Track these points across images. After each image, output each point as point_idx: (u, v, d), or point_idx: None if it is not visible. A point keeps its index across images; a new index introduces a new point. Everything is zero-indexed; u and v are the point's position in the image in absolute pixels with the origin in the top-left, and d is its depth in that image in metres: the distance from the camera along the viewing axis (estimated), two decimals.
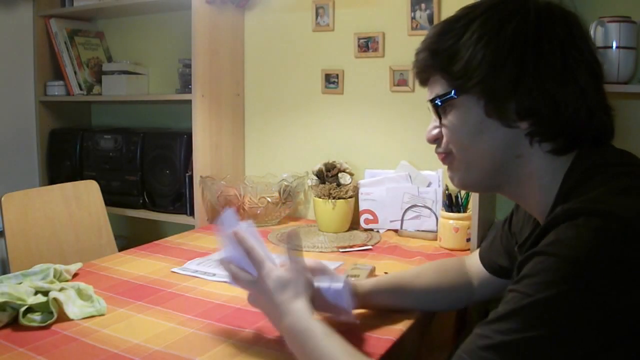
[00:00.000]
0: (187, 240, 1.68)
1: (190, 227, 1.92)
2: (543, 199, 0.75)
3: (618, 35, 1.35)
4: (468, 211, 1.56)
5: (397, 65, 1.81)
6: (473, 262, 1.08)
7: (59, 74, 2.35)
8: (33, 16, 2.32)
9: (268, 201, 1.82)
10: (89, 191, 1.83)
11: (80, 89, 2.31)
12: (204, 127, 1.93)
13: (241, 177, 2.06)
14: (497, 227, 1.05)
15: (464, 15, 0.75)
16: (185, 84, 2.07)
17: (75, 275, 1.29)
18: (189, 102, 1.91)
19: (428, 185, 1.73)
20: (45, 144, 2.37)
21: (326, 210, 1.76)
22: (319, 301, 0.92)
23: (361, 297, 1.01)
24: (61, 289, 1.09)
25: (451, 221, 1.56)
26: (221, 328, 1.02)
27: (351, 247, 1.58)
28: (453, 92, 0.76)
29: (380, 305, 1.06)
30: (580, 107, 0.71)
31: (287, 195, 1.85)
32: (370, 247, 1.59)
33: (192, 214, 1.98)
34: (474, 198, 1.49)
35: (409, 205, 1.71)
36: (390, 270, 1.30)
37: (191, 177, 1.96)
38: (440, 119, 0.79)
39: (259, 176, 2.00)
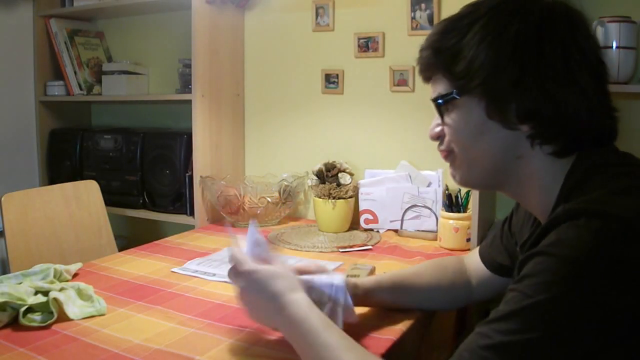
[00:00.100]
0: (187, 240, 1.68)
1: (190, 227, 1.92)
2: (544, 199, 0.75)
3: (618, 35, 1.36)
4: (468, 211, 1.56)
5: (397, 65, 1.81)
6: (472, 261, 1.08)
7: (59, 74, 2.35)
8: (33, 16, 2.32)
9: (268, 201, 1.82)
10: (89, 191, 1.83)
11: (80, 89, 2.31)
12: (204, 127, 1.93)
13: (241, 177, 2.06)
14: (497, 227, 1.06)
15: (468, 14, 0.75)
16: (185, 84, 2.07)
17: (75, 275, 1.29)
18: (189, 102, 1.91)
19: (428, 185, 1.73)
20: (45, 144, 2.37)
21: (326, 210, 1.76)
22: (313, 299, 0.91)
23: (362, 295, 1.01)
24: (61, 289, 1.09)
25: (451, 221, 1.56)
26: (221, 328, 1.02)
27: (351, 247, 1.58)
28: (455, 92, 0.76)
29: (381, 303, 1.06)
30: (581, 109, 0.71)
31: (287, 195, 1.85)
32: (370, 247, 1.59)
33: (192, 214, 1.98)
34: (474, 198, 1.49)
35: (409, 205, 1.71)
36: (390, 270, 1.30)
37: (191, 177, 1.96)
38: (442, 117, 0.79)
39: (259, 176, 2.00)
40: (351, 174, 1.82)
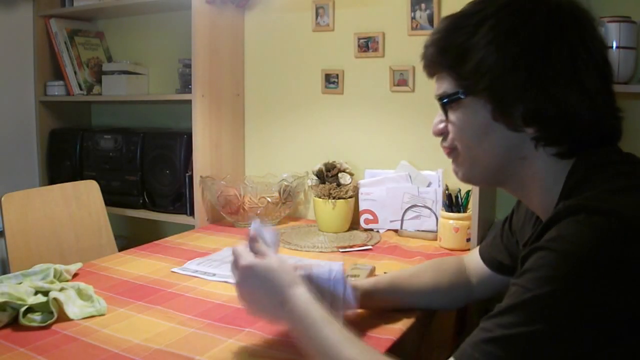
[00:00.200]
0: (187, 240, 1.68)
1: (190, 227, 1.92)
2: (545, 198, 0.75)
3: (618, 35, 1.36)
4: (468, 211, 1.56)
5: (397, 65, 1.81)
6: (472, 260, 1.08)
7: (59, 74, 2.35)
8: (33, 16, 2.32)
9: (268, 201, 1.82)
10: (89, 191, 1.83)
11: (80, 89, 2.31)
12: (204, 127, 1.93)
13: (241, 177, 2.06)
14: (497, 226, 1.06)
15: (476, 13, 0.74)
16: (185, 84, 2.07)
17: (75, 275, 1.29)
18: (189, 102, 1.91)
19: (428, 185, 1.73)
20: (45, 144, 2.37)
21: (326, 210, 1.76)
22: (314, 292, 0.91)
23: (360, 298, 1.00)
24: (61, 289, 1.09)
25: (451, 221, 1.56)
26: (221, 328, 1.02)
27: (351, 247, 1.58)
28: (460, 92, 0.75)
29: (380, 305, 1.06)
30: (586, 111, 0.71)
31: (287, 195, 1.85)
32: (370, 247, 1.59)
33: (192, 214, 1.98)
34: (474, 198, 1.49)
35: (409, 205, 1.71)
36: (390, 270, 1.30)
37: (191, 177, 1.96)
38: (446, 115, 0.79)
39: (259, 176, 2.00)
40: (351, 174, 1.82)
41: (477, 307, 1.39)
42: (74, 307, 1.06)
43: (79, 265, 1.33)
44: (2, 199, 1.57)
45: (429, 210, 1.70)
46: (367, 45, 1.86)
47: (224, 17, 1.99)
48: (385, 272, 1.25)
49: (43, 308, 1.03)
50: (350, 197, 1.77)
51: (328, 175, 1.81)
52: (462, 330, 1.35)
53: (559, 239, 0.63)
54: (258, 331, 1.00)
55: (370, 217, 1.77)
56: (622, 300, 0.59)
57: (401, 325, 1.02)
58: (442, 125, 0.81)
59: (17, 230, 1.59)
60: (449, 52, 0.75)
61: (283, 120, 2.05)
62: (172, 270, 1.37)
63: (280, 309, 0.84)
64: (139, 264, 1.42)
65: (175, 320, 1.05)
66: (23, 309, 1.01)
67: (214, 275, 1.32)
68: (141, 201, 2.11)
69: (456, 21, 0.76)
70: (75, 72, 2.30)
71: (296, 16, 1.98)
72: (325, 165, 1.83)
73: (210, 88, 1.95)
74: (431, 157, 1.74)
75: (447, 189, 1.62)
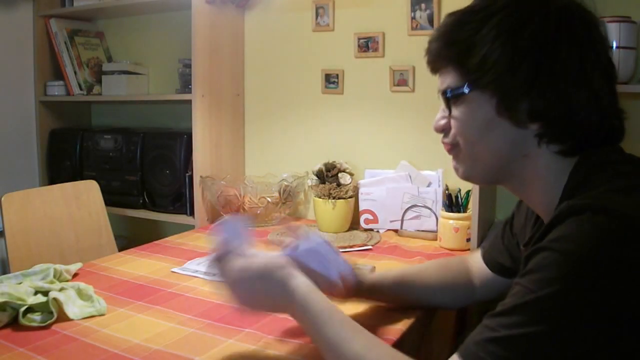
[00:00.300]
0: (187, 240, 1.68)
1: (190, 227, 1.92)
2: (547, 197, 0.75)
3: (618, 35, 1.36)
4: (468, 211, 1.56)
5: (397, 65, 1.81)
6: (475, 261, 1.08)
7: (59, 74, 2.35)
8: (33, 16, 2.32)
9: (268, 201, 1.82)
10: (89, 191, 1.83)
11: (80, 89, 2.31)
12: (204, 127, 1.93)
13: (241, 177, 2.06)
14: (498, 228, 1.06)
15: (483, 8, 0.74)
16: (185, 84, 2.07)
17: (75, 275, 1.29)
18: (189, 102, 1.91)
19: (428, 185, 1.73)
20: (45, 144, 2.37)
21: (326, 210, 1.76)
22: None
23: (366, 290, 1.01)
24: (61, 289, 1.09)
25: (451, 221, 1.56)
26: (221, 328, 1.02)
27: (351, 247, 1.58)
28: (465, 86, 0.75)
29: (385, 298, 1.06)
30: (592, 110, 0.71)
31: (287, 195, 1.85)
32: (370, 247, 1.59)
33: (192, 214, 1.98)
34: (474, 198, 1.49)
35: (409, 205, 1.71)
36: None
37: (191, 177, 1.96)
38: (450, 110, 0.79)
39: (259, 176, 2.00)
40: (351, 174, 1.81)
41: (477, 308, 1.39)
42: (74, 307, 1.06)
43: (79, 265, 1.33)
44: (2, 199, 1.57)
45: (429, 210, 1.70)
46: (367, 45, 1.86)
47: (224, 17, 1.99)
48: (389, 269, 1.25)
49: (43, 308, 1.03)
50: (350, 197, 1.77)
51: (328, 175, 1.81)
52: (462, 331, 1.35)
53: (561, 239, 0.63)
54: (258, 331, 1.00)
55: (370, 217, 1.77)
56: (623, 300, 0.59)
57: (401, 326, 1.02)
58: (444, 122, 0.81)
59: (17, 230, 1.59)
60: (455, 45, 0.75)
61: (283, 120, 2.05)
62: (172, 270, 1.37)
63: (282, 307, 0.83)
64: (139, 264, 1.42)
65: (175, 321, 1.05)
66: (23, 309, 1.01)
67: (214, 275, 1.32)
68: (141, 201, 2.11)
69: (462, 17, 0.76)
70: (75, 72, 2.30)
71: (296, 16, 1.98)
72: (325, 165, 1.83)
73: (210, 88, 1.95)
74: (431, 157, 1.74)
75: (447, 189, 1.62)
